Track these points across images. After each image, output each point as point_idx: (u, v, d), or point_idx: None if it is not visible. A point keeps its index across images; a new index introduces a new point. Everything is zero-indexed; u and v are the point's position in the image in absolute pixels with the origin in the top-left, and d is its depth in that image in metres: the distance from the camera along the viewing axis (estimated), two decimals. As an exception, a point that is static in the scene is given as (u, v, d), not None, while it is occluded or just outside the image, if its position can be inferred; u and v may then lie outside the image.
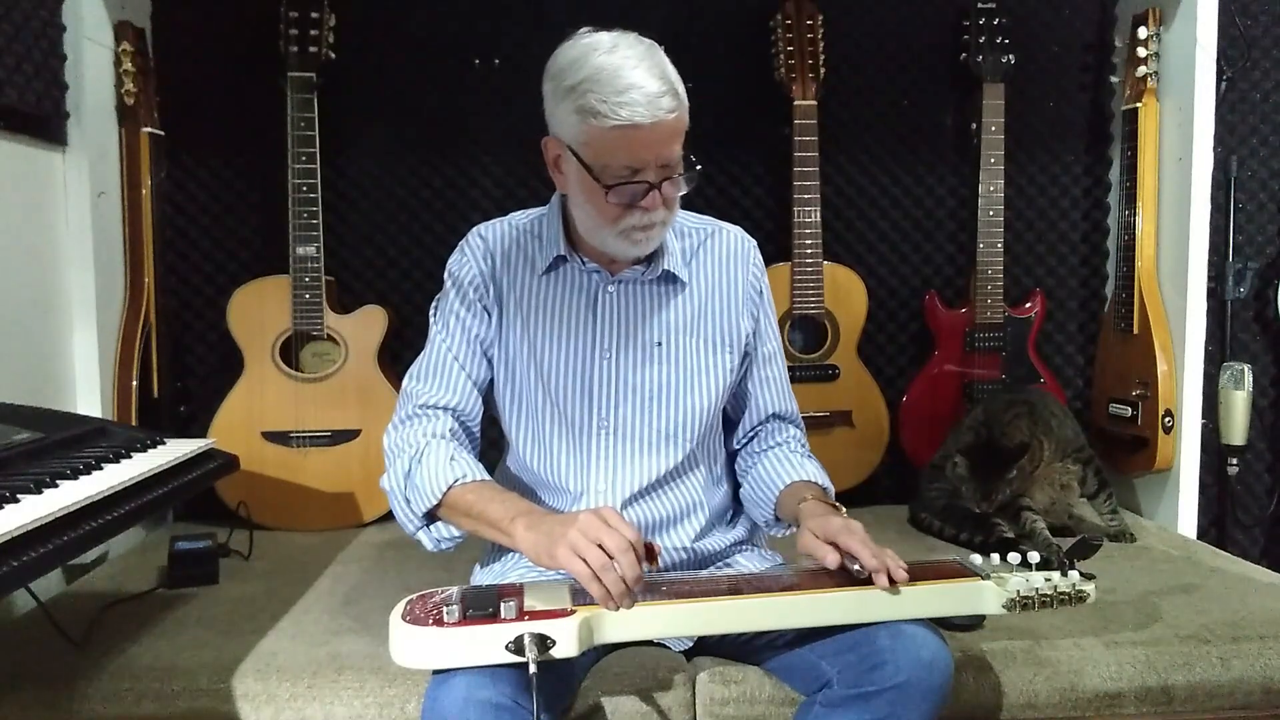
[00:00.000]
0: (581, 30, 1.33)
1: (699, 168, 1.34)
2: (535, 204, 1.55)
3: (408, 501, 1.37)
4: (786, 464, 1.51)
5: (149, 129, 2.22)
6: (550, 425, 1.46)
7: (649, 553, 1.20)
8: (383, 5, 2.39)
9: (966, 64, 2.40)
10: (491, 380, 1.50)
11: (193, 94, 2.35)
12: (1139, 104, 2.33)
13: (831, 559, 1.25)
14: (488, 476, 1.37)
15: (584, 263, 1.45)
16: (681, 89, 1.31)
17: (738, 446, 1.60)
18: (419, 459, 1.36)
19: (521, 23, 2.42)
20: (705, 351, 1.49)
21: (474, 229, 1.52)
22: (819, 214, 2.34)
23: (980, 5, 2.39)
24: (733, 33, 2.47)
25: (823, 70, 2.34)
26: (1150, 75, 2.32)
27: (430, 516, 1.37)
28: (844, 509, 1.38)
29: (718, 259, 1.52)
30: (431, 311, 1.52)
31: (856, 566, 1.23)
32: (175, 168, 2.36)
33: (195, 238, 2.41)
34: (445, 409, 1.44)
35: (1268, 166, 2.52)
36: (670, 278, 1.47)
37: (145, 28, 2.28)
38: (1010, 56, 2.38)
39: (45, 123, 1.97)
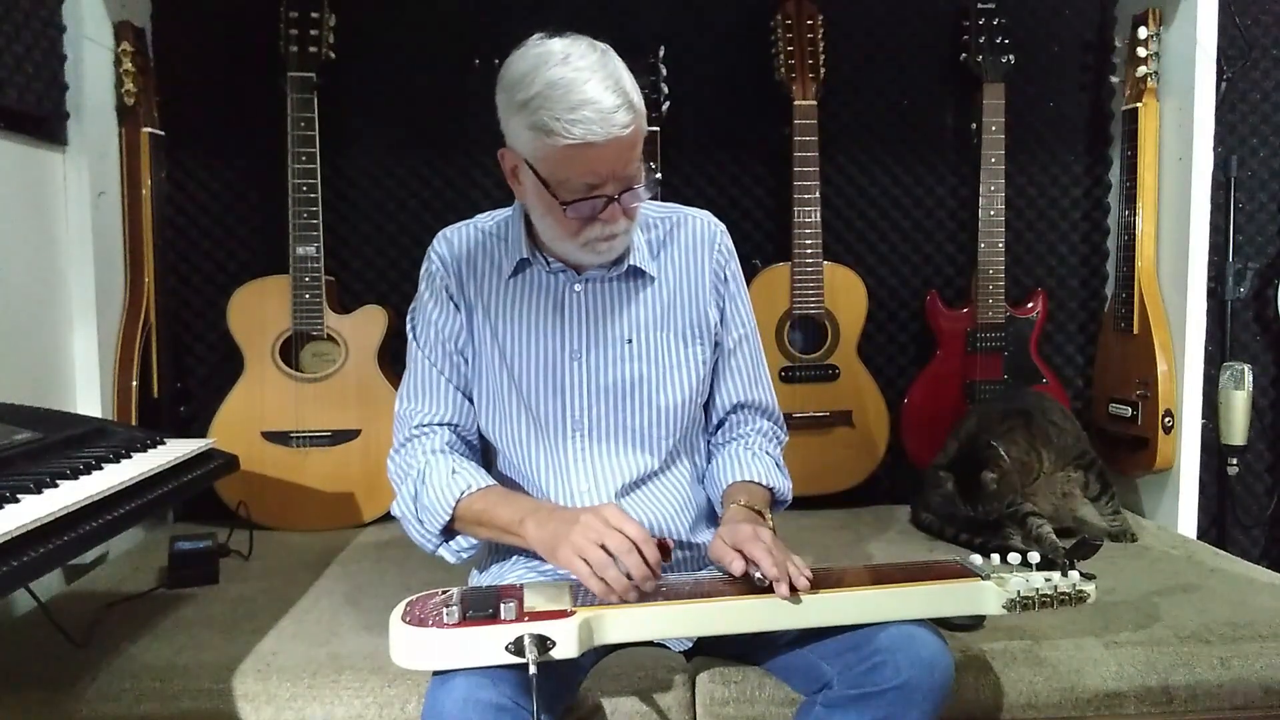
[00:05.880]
0: (534, 37, 1.29)
1: (659, 176, 1.32)
2: None
3: (421, 523, 1.39)
4: (734, 462, 1.49)
5: (149, 129, 2.22)
6: (526, 430, 1.45)
7: (662, 549, 1.19)
8: (383, 5, 2.39)
9: (966, 64, 2.40)
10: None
11: (193, 94, 2.36)
12: (1139, 104, 2.33)
13: (737, 566, 1.23)
14: (491, 481, 1.38)
15: (549, 263, 1.43)
16: (638, 97, 1.26)
17: (708, 438, 1.58)
18: (423, 480, 1.38)
19: (521, 23, 2.36)
20: (677, 345, 1.47)
21: (439, 234, 1.50)
22: (819, 214, 2.33)
23: (980, 5, 2.39)
24: (733, 33, 2.46)
25: (823, 70, 2.34)
26: (1150, 75, 2.31)
27: (447, 532, 1.39)
28: (768, 515, 1.38)
29: (684, 248, 1.49)
30: (409, 326, 1.50)
31: (758, 575, 1.22)
32: (175, 168, 2.36)
33: (195, 238, 2.41)
34: (441, 425, 1.45)
35: (1268, 166, 2.52)
36: (637, 273, 1.45)
37: (145, 28, 2.28)
38: (1010, 56, 2.38)
39: (45, 123, 1.97)
